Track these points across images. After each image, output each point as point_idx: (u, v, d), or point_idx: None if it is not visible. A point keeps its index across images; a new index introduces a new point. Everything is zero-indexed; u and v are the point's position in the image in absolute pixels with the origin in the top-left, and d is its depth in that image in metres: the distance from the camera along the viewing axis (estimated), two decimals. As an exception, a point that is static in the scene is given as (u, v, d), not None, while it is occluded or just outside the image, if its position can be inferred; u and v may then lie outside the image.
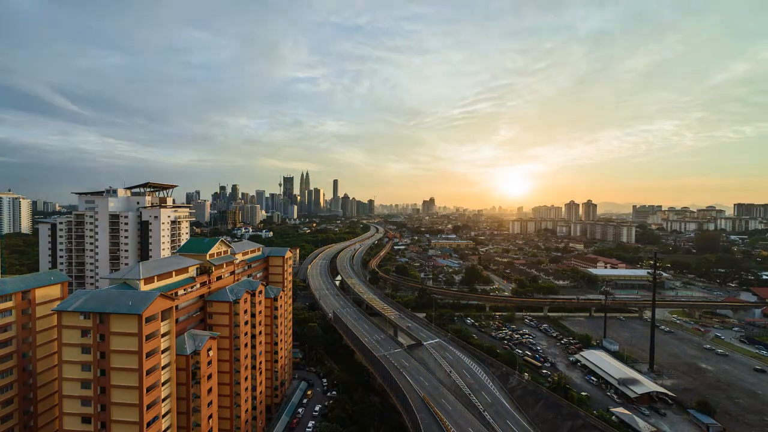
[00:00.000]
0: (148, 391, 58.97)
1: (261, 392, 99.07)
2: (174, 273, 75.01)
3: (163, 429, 62.40)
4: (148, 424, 58.84)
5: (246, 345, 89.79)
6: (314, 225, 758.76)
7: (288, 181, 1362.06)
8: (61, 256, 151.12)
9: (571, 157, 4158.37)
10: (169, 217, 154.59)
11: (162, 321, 62.44)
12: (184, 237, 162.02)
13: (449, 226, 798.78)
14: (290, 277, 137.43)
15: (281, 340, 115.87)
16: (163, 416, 62.98)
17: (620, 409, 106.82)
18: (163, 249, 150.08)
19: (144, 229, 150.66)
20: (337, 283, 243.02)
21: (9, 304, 71.28)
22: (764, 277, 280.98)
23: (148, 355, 58.99)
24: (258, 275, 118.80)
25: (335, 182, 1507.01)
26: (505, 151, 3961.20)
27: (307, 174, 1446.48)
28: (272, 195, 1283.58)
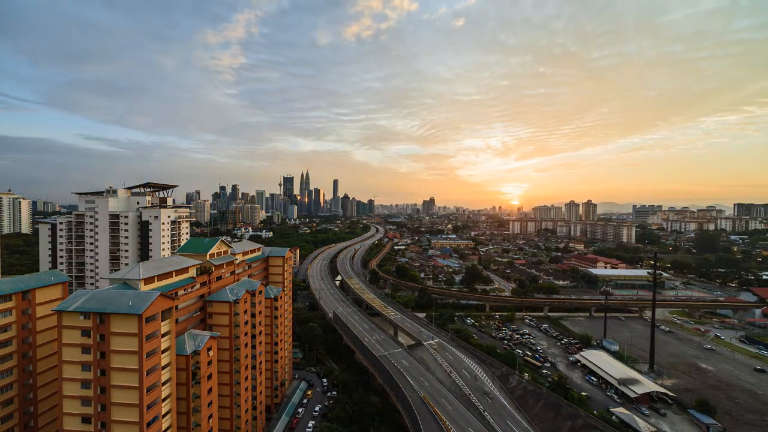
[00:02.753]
0: (148, 391, 58.94)
1: (261, 392, 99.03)
2: (174, 273, 75.00)
3: (163, 429, 62.38)
4: (149, 424, 58.83)
5: (246, 345, 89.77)
6: (314, 225, 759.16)
7: (288, 181, 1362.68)
8: (61, 256, 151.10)
9: (573, 157, 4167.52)
10: (169, 217, 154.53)
11: (162, 321, 62.41)
12: (184, 237, 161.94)
13: (449, 226, 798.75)
14: (290, 277, 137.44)
15: (281, 340, 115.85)
16: (164, 416, 62.95)
17: (620, 409, 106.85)
18: (163, 249, 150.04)
19: (144, 229, 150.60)
20: (337, 283, 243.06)
21: (9, 304, 71.25)
22: (764, 277, 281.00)
23: (148, 355, 58.98)
24: (258, 275, 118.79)
25: (335, 182, 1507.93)
26: (507, 153, 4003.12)
27: (307, 174, 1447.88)
28: (272, 195, 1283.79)
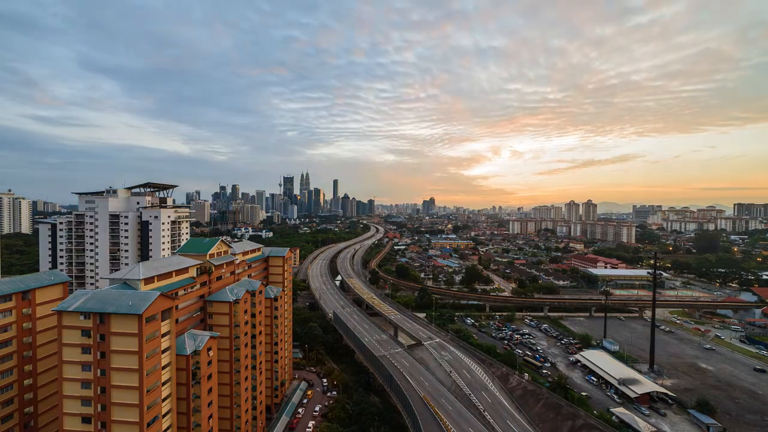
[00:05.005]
0: (148, 391, 58.92)
1: (261, 392, 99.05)
2: (174, 273, 74.98)
3: (163, 429, 62.35)
4: (149, 424, 58.81)
5: (246, 345, 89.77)
6: (314, 225, 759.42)
7: (288, 181, 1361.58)
8: (61, 256, 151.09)
9: (573, 161, 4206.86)
10: (169, 217, 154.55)
11: (162, 321, 62.38)
12: (184, 237, 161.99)
13: (449, 226, 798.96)
14: (290, 277, 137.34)
15: (281, 340, 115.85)
16: (164, 416, 62.94)
17: (620, 409, 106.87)
18: (163, 249, 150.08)
19: (144, 230, 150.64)
20: (337, 283, 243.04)
21: (9, 304, 71.22)
22: (764, 277, 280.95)
23: (149, 355, 58.96)
24: (258, 275, 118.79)
25: (335, 182, 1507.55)
26: (509, 157, 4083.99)
27: (307, 174, 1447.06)
28: (272, 195, 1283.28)
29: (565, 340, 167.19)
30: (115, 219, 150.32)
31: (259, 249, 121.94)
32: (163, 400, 62.99)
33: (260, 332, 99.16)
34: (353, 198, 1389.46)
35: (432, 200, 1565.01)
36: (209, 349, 72.71)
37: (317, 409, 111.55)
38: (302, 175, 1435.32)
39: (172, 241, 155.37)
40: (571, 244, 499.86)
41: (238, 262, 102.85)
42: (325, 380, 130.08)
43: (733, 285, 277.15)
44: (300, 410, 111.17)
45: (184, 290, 77.24)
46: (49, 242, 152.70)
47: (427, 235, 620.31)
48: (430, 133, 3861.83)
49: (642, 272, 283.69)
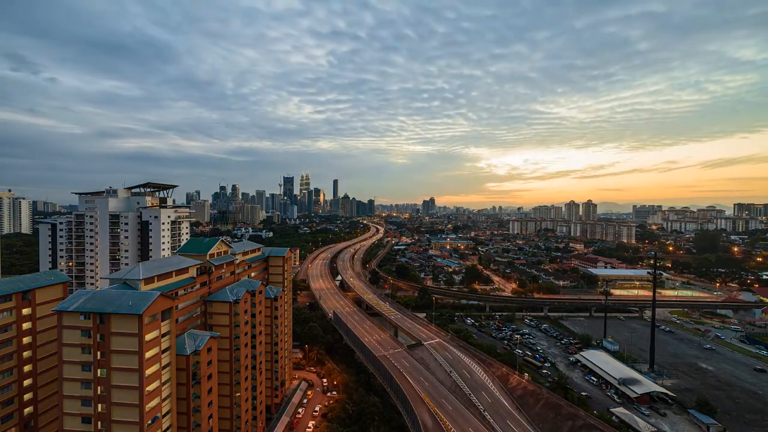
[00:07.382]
0: (148, 391, 58.95)
1: (261, 392, 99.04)
2: (174, 273, 74.99)
3: (163, 429, 62.38)
4: (149, 425, 58.85)
5: (246, 345, 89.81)
6: (314, 225, 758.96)
7: (288, 182, 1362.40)
8: (61, 257, 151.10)
9: (574, 162, 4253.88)
10: (169, 217, 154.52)
11: (162, 321, 62.40)
12: (184, 237, 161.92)
13: (449, 226, 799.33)
14: (290, 277, 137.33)
15: (281, 340, 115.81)
16: (164, 416, 62.95)
17: (620, 409, 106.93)
18: (163, 249, 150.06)
19: (144, 230, 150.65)
20: (337, 283, 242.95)
21: (9, 304, 71.26)
22: (764, 277, 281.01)
23: (149, 355, 58.97)
24: (258, 275, 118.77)
25: (335, 182, 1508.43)
26: (512, 159, 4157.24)
27: (307, 174, 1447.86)
28: (272, 195, 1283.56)
29: (565, 340, 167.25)
30: (115, 219, 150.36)
31: (259, 249, 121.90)
32: (163, 400, 62.99)
33: (260, 332, 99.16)
34: (353, 198, 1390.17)
35: (432, 200, 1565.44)
36: (209, 349, 72.73)
37: (317, 409, 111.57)
38: (302, 176, 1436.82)
39: (172, 241, 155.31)
40: (571, 244, 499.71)
41: (238, 262, 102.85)
42: (325, 380, 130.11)
43: (733, 285, 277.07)
44: (300, 410, 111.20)
45: (184, 290, 77.26)
46: (49, 242, 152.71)
47: (427, 235, 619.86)
48: (446, 140, 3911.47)
49: (642, 272, 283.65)
